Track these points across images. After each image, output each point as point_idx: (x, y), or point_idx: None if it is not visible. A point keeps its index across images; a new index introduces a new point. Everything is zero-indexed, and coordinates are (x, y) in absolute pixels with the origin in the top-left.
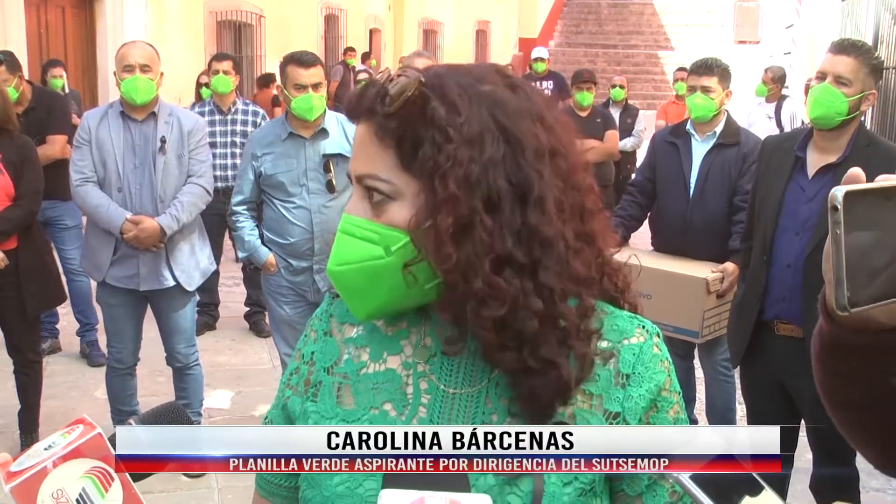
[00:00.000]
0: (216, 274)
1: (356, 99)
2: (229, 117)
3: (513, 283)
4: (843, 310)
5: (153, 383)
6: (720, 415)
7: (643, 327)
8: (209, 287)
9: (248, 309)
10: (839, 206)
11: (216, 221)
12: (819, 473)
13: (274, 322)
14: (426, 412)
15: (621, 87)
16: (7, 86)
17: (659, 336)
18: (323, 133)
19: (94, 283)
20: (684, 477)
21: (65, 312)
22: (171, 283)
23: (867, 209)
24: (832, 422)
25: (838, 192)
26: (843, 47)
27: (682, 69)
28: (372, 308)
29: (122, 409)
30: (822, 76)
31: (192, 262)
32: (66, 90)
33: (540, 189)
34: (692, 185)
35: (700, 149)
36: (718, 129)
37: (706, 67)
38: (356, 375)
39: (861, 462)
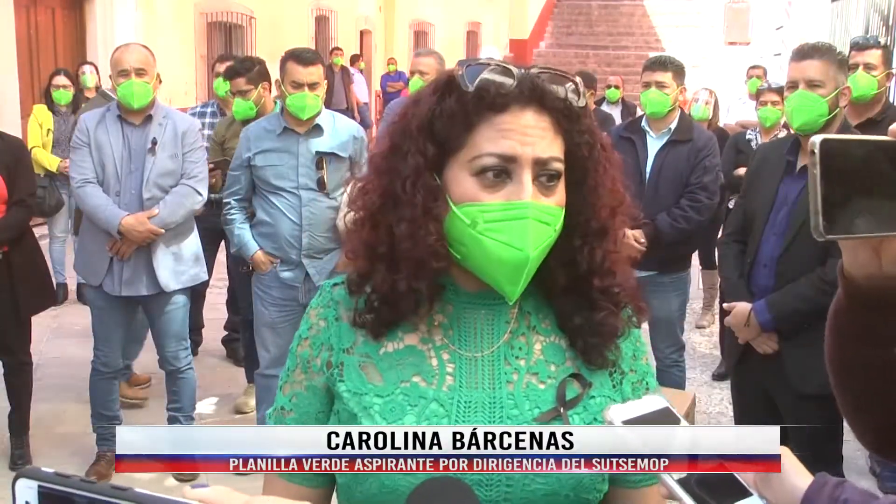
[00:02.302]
0: (202, 296)
1: (520, 89)
2: None
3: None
4: (820, 235)
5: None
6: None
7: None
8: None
9: (226, 333)
10: (816, 151)
11: (209, 237)
12: None
13: (255, 323)
14: (454, 379)
15: (616, 87)
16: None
17: None
18: (317, 130)
19: (73, 286)
20: (670, 478)
21: (55, 314)
22: (159, 288)
23: (843, 158)
24: (814, 425)
25: (817, 139)
26: (806, 52)
27: None
28: (526, 284)
29: (104, 414)
30: (793, 85)
31: (179, 267)
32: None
33: None
34: (647, 181)
35: (654, 145)
36: (672, 125)
37: (660, 63)
38: (377, 355)
39: (852, 461)
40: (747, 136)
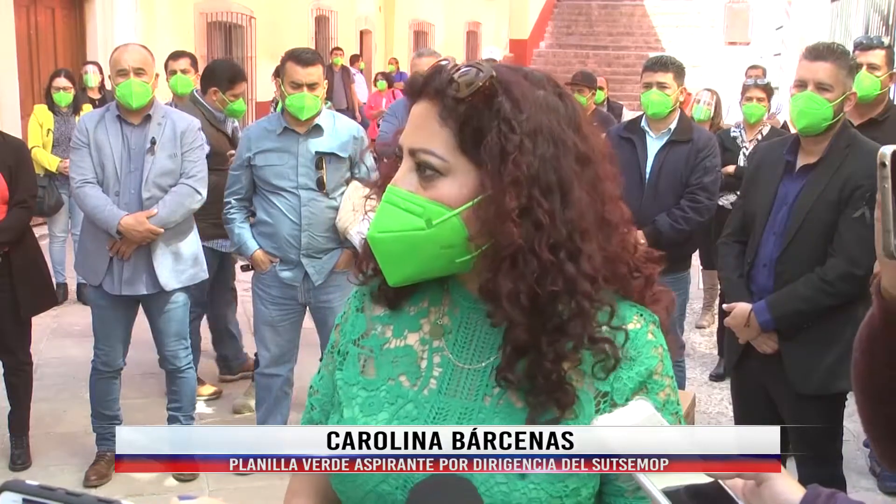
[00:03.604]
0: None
1: (423, 80)
2: None
3: (567, 265)
4: (891, 256)
5: (145, 385)
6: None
7: (641, 315)
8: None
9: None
10: (887, 163)
11: None
12: (805, 475)
13: (255, 322)
14: (436, 383)
15: (601, 88)
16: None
17: (656, 324)
18: (317, 130)
19: (73, 286)
20: (643, 476)
21: (55, 314)
22: (159, 287)
23: None
24: (814, 425)
25: (887, 150)
26: (820, 53)
27: None
28: (405, 275)
29: (104, 413)
30: (801, 84)
31: (178, 266)
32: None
33: (578, 189)
34: (646, 180)
35: (654, 145)
36: (672, 125)
37: (661, 64)
38: (380, 350)
39: (852, 461)
40: (732, 133)
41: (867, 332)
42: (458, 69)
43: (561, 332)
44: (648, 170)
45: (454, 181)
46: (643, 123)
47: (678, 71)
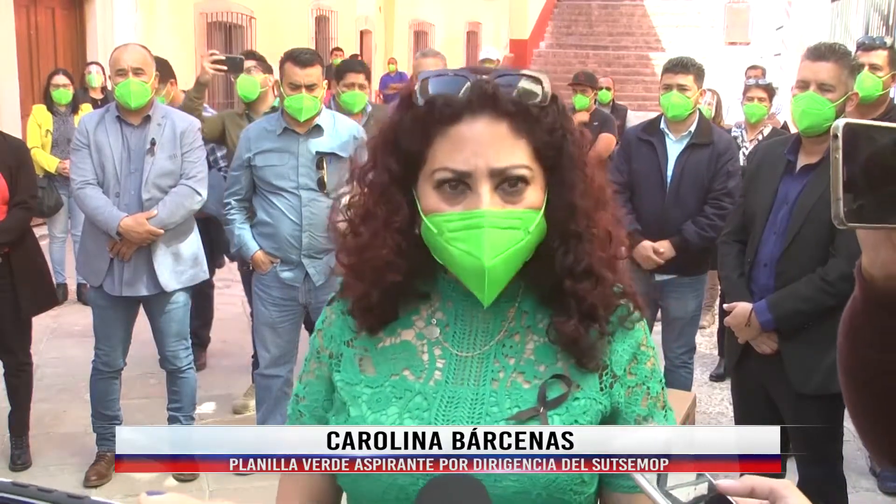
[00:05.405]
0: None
1: (477, 98)
2: None
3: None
4: (840, 223)
5: (145, 385)
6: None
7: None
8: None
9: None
10: (839, 135)
11: None
12: (805, 475)
13: (255, 322)
14: (441, 374)
15: (607, 88)
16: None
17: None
18: (317, 130)
19: (73, 286)
20: (642, 477)
21: (55, 314)
22: (159, 288)
23: (868, 144)
24: (814, 425)
25: (840, 122)
26: (822, 53)
27: None
28: (500, 289)
29: (105, 413)
30: (803, 85)
31: (178, 267)
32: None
33: (591, 175)
34: (668, 183)
35: (674, 148)
36: (692, 128)
37: (682, 66)
38: (374, 349)
39: (852, 461)
40: (733, 133)
41: (849, 315)
42: (516, 83)
43: (592, 317)
44: (670, 173)
45: (536, 186)
46: (662, 125)
47: (698, 73)
